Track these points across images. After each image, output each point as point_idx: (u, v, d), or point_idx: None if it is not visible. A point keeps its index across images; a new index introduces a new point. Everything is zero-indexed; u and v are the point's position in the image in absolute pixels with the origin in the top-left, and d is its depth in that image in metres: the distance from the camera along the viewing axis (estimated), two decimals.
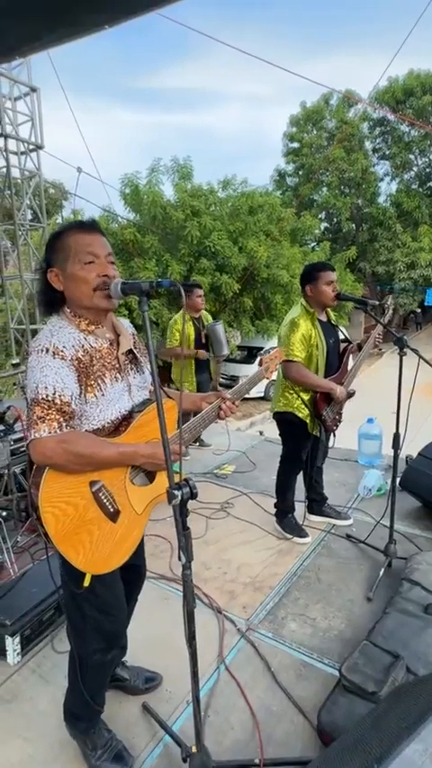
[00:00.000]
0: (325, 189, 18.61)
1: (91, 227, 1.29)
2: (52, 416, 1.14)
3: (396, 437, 2.42)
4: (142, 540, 1.59)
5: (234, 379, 11.97)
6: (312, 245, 16.34)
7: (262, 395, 11.23)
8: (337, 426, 2.72)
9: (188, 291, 4.21)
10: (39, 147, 5.73)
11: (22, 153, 5.78)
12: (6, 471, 2.91)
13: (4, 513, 2.71)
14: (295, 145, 19.49)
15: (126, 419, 1.33)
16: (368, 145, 19.34)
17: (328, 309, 2.70)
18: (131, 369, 1.39)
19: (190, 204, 9.56)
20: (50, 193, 15.45)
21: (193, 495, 1.17)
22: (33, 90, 5.49)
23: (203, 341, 4.27)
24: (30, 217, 6.32)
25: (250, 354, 12.59)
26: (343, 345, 2.73)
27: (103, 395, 1.26)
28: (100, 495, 1.23)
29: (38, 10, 3.30)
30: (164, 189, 9.98)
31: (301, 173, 19.46)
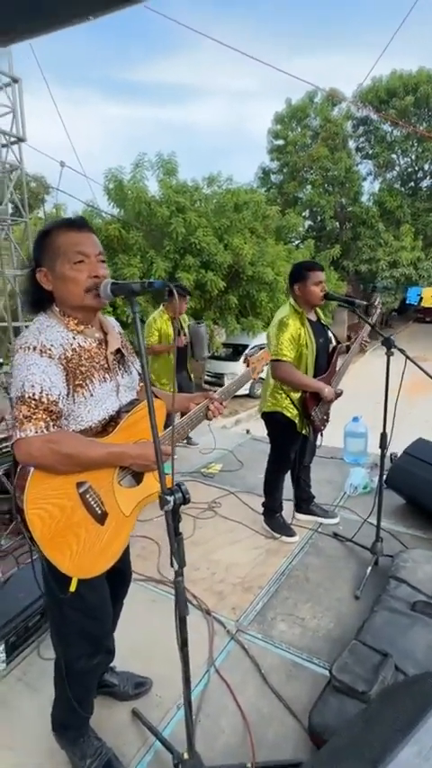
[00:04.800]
0: (309, 187, 18.71)
1: (80, 224, 1.25)
2: (39, 416, 1.11)
3: (383, 436, 2.44)
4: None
5: (219, 376, 11.97)
6: (297, 242, 16.43)
7: (247, 392, 11.27)
8: (325, 426, 2.73)
9: (180, 296, 4.13)
10: (20, 140, 5.60)
11: (3, 146, 5.64)
12: None
13: None
14: (280, 142, 19.54)
15: (113, 419, 1.31)
16: (351, 144, 19.52)
17: (317, 309, 2.70)
18: (120, 368, 1.37)
19: (175, 200, 9.49)
20: (32, 187, 15.14)
21: (186, 501, 1.16)
22: (15, 81, 5.35)
23: (183, 342, 4.22)
24: (10, 211, 6.17)
25: (235, 352, 12.60)
26: (332, 345, 2.74)
27: (91, 395, 1.24)
28: (87, 496, 1.21)
29: None
30: (148, 184, 9.91)
31: (285, 170, 19.52)
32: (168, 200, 9.51)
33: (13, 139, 5.48)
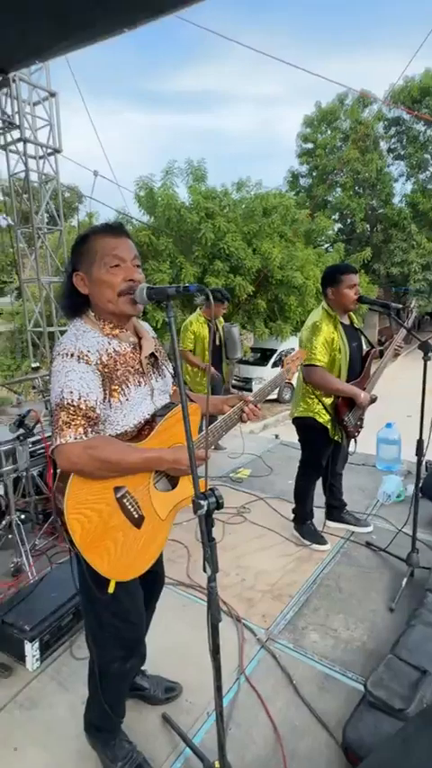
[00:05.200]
0: (339, 190, 18.48)
1: (118, 230, 1.27)
2: (78, 422, 1.12)
3: (420, 443, 2.36)
4: None
5: (247, 381, 11.92)
6: (326, 246, 16.23)
7: (275, 397, 11.17)
8: (359, 432, 2.67)
9: (219, 301, 4.15)
10: (57, 151, 5.78)
11: (41, 157, 5.83)
12: (25, 474, 2.91)
13: (23, 516, 2.71)
14: (309, 146, 19.40)
15: (148, 423, 1.32)
16: (383, 145, 19.16)
17: (351, 313, 2.65)
18: (153, 372, 1.37)
19: (204, 206, 9.55)
20: (66, 197, 15.61)
21: (219, 506, 1.14)
22: (52, 95, 5.54)
23: (217, 343, 4.25)
24: (46, 220, 6.38)
25: (263, 357, 12.53)
26: (365, 350, 2.68)
27: (126, 399, 1.25)
28: (124, 501, 1.22)
29: (56, 14, 3.32)
30: (178, 191, 10.00)
31: (314, 174, 19.36)
32: (198, 206, 9.57)
33: (49, 151, 5.68)
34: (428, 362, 2.24)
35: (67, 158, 5.96)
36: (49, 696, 1.82)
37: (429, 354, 2.23)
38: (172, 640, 2.01)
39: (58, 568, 2.42)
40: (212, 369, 4.18)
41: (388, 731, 1.50)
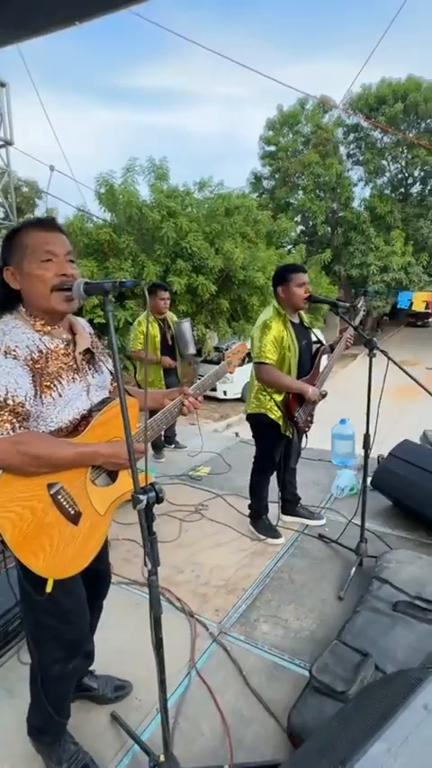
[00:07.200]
0: (301, 192, 18.87)
1: (50, 224, 1.25)
2: (5, 417, 1.10)
3: (366, 438, 2.45)
4: (106, 543, 1.55)
5: None
6: (288, 247, 16.53)
7: (239, 396, 11.27)
8: (309, 428, 2.74)
9: (151, 292, 4.10)
10: (8, 144, 5.60)
11: None
12: None
13: None
14: (272, 148, 19.71)
15: (85, 419, 1.30)
16: (343, 150, 19.74)
17: (301, 311, 2.72)
18: (89, 369, 1.36)
19: (166, 205, 9.50)
20: (24, 192, 15.12)
21: (159, 500, 1.15)
22: (2, 85, 5.36)
23: (170, 342, 4.17)
24: (1, 215, 6.16)
25: None
26: (315, 347, 2.76)
27: (60, 395, 1.23)
28: (59, 497, 1.20)
29: (3, 1, 3.21)
30: (139, 189, 9.91)
31: (277, 176, 19.69)
32: (159, 204, 9.51)
33: (0, 143, 5.50)
34: (373, 360, 2.34)
35: (20, 151, 5.79)
36: None
37: (374, 351, 2.32)
38: (123, 639, 2.00)
39: (4, 573, 2.34)
40: (168, 360, 4.09)
41: (331, 714, 1.56)
